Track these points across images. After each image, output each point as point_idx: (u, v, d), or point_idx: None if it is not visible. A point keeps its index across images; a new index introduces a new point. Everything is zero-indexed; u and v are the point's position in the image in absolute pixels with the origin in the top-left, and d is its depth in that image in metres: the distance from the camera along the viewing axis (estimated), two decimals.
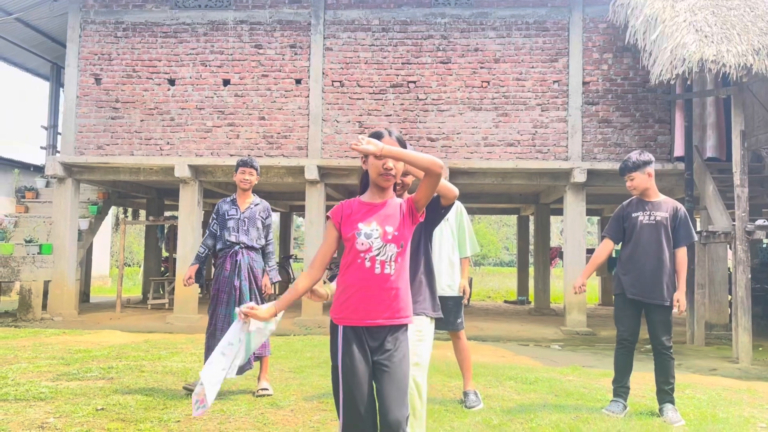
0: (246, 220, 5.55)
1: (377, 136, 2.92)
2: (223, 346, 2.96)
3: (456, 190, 3.24)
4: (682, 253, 4.88)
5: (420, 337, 3.59)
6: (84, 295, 14.73)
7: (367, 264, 2.81)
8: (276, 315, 2.94)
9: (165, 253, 16.44)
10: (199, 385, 2.89)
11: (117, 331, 9.87)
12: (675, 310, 4.78)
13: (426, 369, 3.69)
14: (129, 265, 29.71)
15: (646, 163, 4.91)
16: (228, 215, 5.57)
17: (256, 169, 5.62)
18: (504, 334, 10.84)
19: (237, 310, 2.94)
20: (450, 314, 5.01)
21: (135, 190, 14.45)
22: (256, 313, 2.90)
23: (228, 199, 5.70)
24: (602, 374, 6.56)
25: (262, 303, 5.51)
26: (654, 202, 4.94)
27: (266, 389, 5.41)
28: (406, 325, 2.92)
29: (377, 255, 2.81)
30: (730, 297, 10.97)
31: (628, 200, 5.10)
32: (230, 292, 5.45)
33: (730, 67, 8.19)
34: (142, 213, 17.59)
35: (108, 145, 11.63)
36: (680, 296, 4.78)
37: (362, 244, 2.81)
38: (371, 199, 2.92)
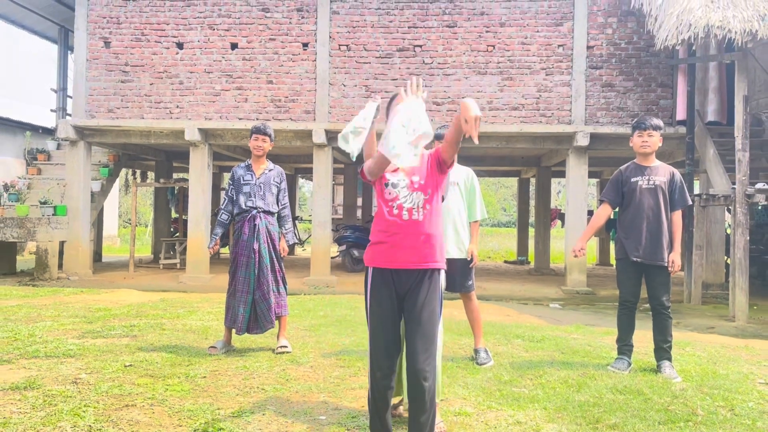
0: (261, 185, 5.72)
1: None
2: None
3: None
4: (677, 216, 5.08)
5: None
6: (96, 255, 15.04)
7: (395, 211, 3.03)
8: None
9: (174, 215, 16.68)
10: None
11: (133, 290, 10.11)
12: (669, 269, 5.00)
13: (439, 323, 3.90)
14: (137, 225, 29.91)
15: (662, 128, 5.18)
16: (243, 180, 5.73)
17: (270, 136, 5.76)
18: (506, 294, 11.15)
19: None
20: (460, 276, 5.20)
21: (144, 153, 14.61)
22: None
23: (243, 164, 5.84)
24: (605, 332, 6.80)
25: (281, 265, 5.78)
26: (652, 167, 5.12)
27: (285, 347, 5.64)
28: (437, 270, 3.08)
29: (404, 203, 3.02)
30: (726, 258, 11.25)
31: (625, 165, 5.26)
32: (249, 255, 5.63)
33: (736, 32, 8.29)
34: (150, 175, 17.79)
35: (119, 108, 11.77)
36: (675, 257, 4.99)
37: (389, 193, 3.05)
38: None
